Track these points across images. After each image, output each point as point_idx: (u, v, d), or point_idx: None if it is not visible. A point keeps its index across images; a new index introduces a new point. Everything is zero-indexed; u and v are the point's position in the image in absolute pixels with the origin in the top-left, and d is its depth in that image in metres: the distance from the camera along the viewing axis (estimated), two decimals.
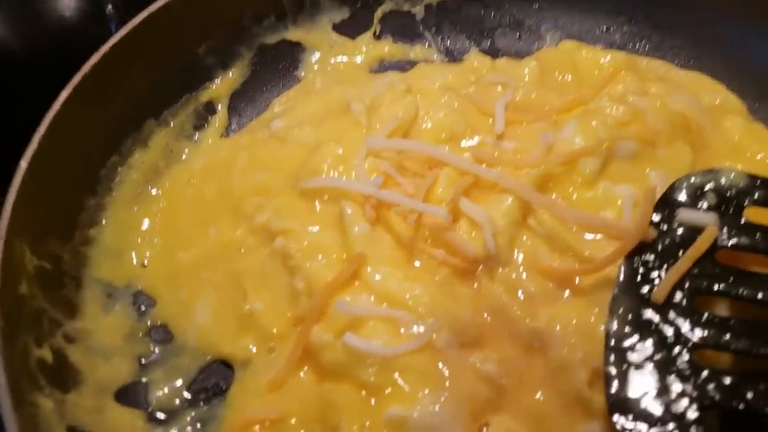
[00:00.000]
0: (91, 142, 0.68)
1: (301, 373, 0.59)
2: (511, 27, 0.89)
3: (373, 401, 0.56)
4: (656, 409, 0.50)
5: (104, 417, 0.58)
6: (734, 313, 0.55)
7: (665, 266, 0.56)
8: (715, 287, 0.54)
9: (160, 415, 0.60)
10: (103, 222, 0.68)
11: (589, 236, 0.63)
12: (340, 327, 0.58)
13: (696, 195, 0.59)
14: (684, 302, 0.54)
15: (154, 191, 0.72)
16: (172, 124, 0.76)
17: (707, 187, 0.59)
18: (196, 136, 0.78)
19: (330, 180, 0.67)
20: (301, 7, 0.84)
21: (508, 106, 0.73)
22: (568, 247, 0.62)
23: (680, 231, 0.57)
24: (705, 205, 0.58)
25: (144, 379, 0.61)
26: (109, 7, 1.07)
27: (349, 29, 0.87)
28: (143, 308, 0.66)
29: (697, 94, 0.78)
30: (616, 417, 0.50)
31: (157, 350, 0.63)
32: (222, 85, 0.81)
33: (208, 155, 0.76)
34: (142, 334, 0.64)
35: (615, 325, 0.54)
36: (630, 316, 0.54)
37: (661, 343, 0.52)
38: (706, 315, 0.53)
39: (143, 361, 0.62)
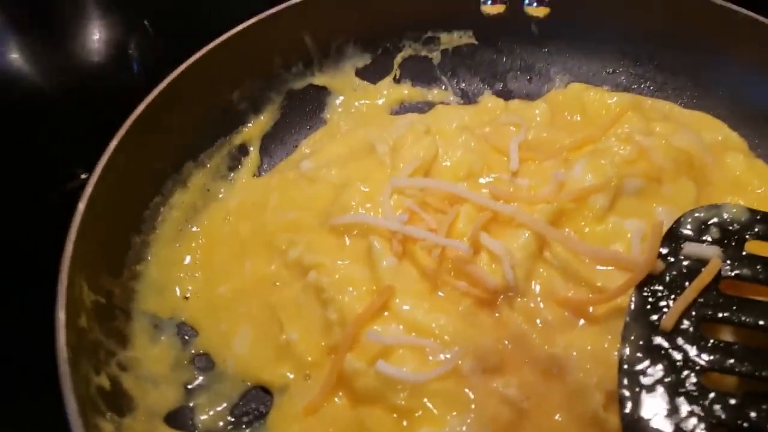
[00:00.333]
0: (136, 185, 0.73)
1: (336, 399, 0.63)
2: (522, 70, 0.94)
3: (405, 423, 0.60)
4: (667, 428, 0.54)
5: None
6: (738, 339, 0.59)
7: (673, 296, 0.60)
8: (720, 315, 0.59)
9: None
10: (148, 258, 0.73)
11: (600, 267, 0.68)
12: (371, 355, 0.62)
13: (700, 229, 0.63)
14: (691, 329, 0.58)
15: (194, 229, 0.77)
16: (208, 166, 0.81)
17: (711, 222, 0.64)
18: (231, 176, 0.83)
19: (359, 216, 0.71)
20: (327, 54, 0.89)
21: (521, 145, 0.78)
22: (582, 278, 0.66)
23: (686, 263, 0.61)
24: (709, 238, 0.63)
25: (191, 404, 0.65)
26: (132, 48, 1.14)
27: (371, 74, 0.92)
28: (187, 338, 0.70)
29: (700, 132, 0.82)
30: None
31: (201, 377, 0.67)
32: (254, 128, 0.86)
33: (242, 194, 0.81)
34: (187, 362, 0.68)
35: (628, 351, 0.58)
36: (641, 343, 0.58)
37: (671, 367, 0.57)
38: (711, 341, 0.57)
39: (189, 386, 0.67)
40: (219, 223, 0.78)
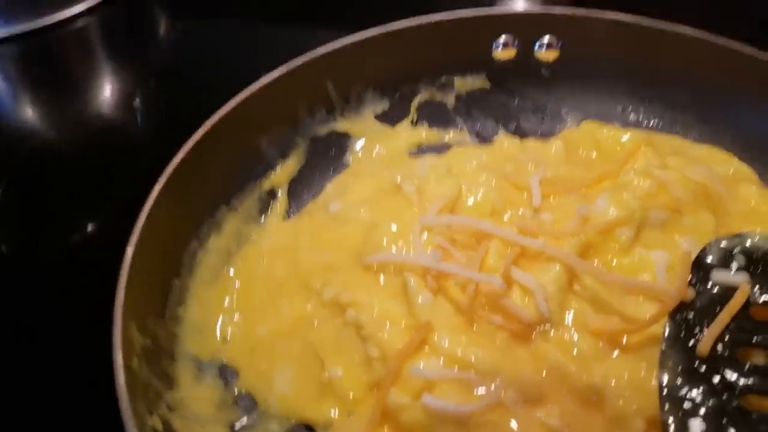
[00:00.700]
0: (175, 230, 0.75)
1: None
2: (535, 111, 0.98)
3: None
4: None
5: None
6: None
7: (706, 322, 0.62)
8: (754, 339, 0.61)
9: None
10: (188, 302, 0.75)
11: (628, 297, 0.70)
12: (415, 389, 0.63)
13: (726, 257, 0.66)
14: (726, 353, 0.60)
15: (230, 271, 0.79)
16: (240, 210, 0.84)
17: (735, 250, 0.66)
18: (262, 220, 0.85)
19: (393, 255, 0.73)
20: (348, 101, 0.93)
21: (541, 182, 0.81)
22: (612, 308, 0.68)
23: (715, 290, 0.64)
24: (735, 266, 0.65)
25: None
26: (137, 101, 1.18)
27: (390, 118, 0.96)
28: (229, 379, 0.71)
29: (711, 165, 0.85)
30: None
31: (245, 417, 0.68)
32: (281, 173, 0.89)
33: (273, 236, 0.83)
34: (231, 402, 0.69)
35: (666, 377, 0.60)
36: (679, 368, 0.60)
37: (711, 391, 0.58)
38: (747, 364, 0.60)
39: (236, 426, 0.68)
40: (254, 266, 0.80)
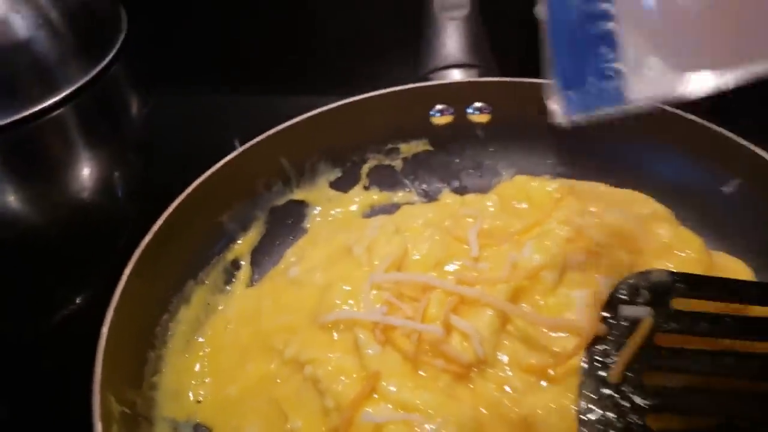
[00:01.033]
0: (146, 307, 0.82)
1: None
2: (474, 168, 1.07)
3: None
4: None
5: None
6: (675, 382, 0.69)
7: (617, 352, 0.71)
8: (657, 364, 0.69)
9: None
10: (163, 370, 0.82)
11: (556, 334, 0.78)
12: None
13: (633, 293, 0.75)
14: (634, 378, 0.68)
15: (200, 339, 0.87)
16: (206, 282, 0.92)
17: (642, 285, 0.75)
18: (227, 289, 0.93)
19: (343, 313, 0.81)
20: (302, 173, 1.02)
21: (479, 233, 0.88)
22: (541, 345, 0.76)
23: (624, 323, 0.73)
24: (641, 300, 0.74)
25: None
26: (115, 177, 1.27)
27: (343, 185, 1.05)
28: None
29: (631, 206, 0.94)
30: None
31: None
32: (243, 244, 0.97)
33: (239, 304, 0.91)
34: None
35: (584, 404, 0.68)
36: (595, 396, 0.68)
37: (621, 414, 0.67)
38: (653, 386, 0.68)
39: None
40: (221, 332, 0.87)
